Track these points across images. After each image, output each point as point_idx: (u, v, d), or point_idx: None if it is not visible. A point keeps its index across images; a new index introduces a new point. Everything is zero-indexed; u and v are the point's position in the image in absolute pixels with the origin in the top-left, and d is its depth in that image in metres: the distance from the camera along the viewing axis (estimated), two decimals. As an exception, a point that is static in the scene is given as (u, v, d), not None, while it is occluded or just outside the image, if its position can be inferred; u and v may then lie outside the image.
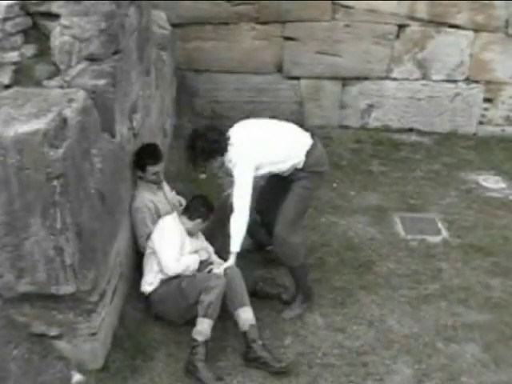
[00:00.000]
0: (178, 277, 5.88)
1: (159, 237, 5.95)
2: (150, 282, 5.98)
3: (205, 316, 5.59)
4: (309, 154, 6.00)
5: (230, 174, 6.15)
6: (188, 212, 6.08)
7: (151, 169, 6.24)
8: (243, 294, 5.84)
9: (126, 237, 6.07)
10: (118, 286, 5.80)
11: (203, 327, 5.57)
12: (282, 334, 5.97)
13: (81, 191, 4.76)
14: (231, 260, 5.92)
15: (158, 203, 6.29)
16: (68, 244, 4.72)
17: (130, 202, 6.19)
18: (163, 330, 5.93)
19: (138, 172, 6.27)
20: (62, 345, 5.19)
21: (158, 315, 6.01)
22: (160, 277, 5.94)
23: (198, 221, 6.06)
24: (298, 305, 6.36)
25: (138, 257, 6.19)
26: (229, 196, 6.27)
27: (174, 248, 5.92)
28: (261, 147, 5.94)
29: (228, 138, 5.98)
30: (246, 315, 5.76)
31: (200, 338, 5.55)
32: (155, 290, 5.95)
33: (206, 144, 5.94)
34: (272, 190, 6.35)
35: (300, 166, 5.98)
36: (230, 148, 5.95)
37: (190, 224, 6.05)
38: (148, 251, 6.03)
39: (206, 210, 6.10)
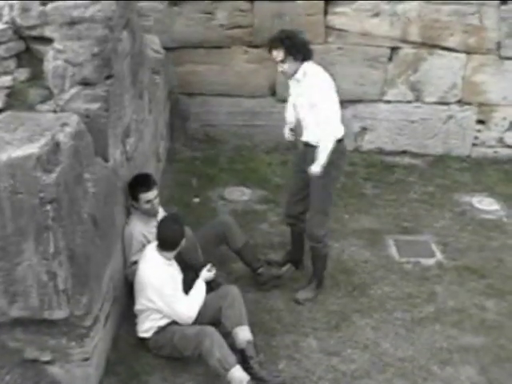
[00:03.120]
0: (169, 328, 5.84)
1: (157, 296, 5.77)
2: (145, 330, 5.91)
3: (227, 370, 5.47)
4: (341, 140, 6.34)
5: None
6: (167, 245, 5.88)
7: (144, 196, 6.23)
8: (241, 313, 5.88)
9: (120, 261, 6.05)
10: (112, 310, 5.78)
11: (236, 377, 5.46)
12: (276, 357, 5.93)
13: (74, 216, 4.75)
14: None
15: (150, 234, 6.23)
16: (61, 269, 4.71)
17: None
18: (157, 355, 5.88)
19: (132, 202, 6.30)
20: (54, 370, 5.16)
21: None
22: (157, 325, 5.85)
23: (181, 244, 5.98)
24: (313, 288, 6.72)
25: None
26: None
27: (178, 297, 5.86)
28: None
29: (311, 50, 6.28)
30: (243, 334, 5.80)
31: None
32: (150, 338, 5.90)
33: (295, 41, 6.18)
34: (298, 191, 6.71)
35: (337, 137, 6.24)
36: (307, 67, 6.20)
37: (173, 253, 5.95)
38: (142, 307, 5.88)
39: (181, 231, 5.97)
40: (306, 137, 6.41)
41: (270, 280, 6.79)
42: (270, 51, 6.23)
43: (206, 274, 6.14)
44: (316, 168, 6.10)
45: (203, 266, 6.27)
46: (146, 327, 5.89)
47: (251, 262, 6.82)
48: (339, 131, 6.30)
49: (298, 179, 6.65)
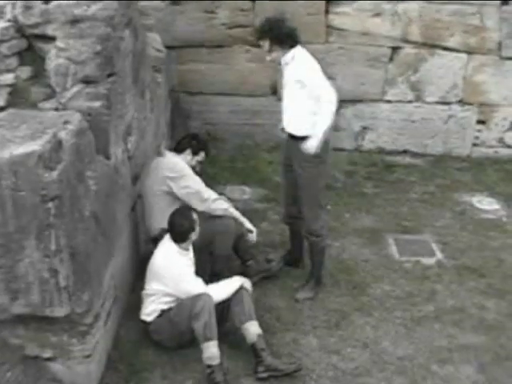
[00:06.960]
0: (170, 309, 5.86)
1: (167, 279, 5.82)
2: (148, 313, 5.93)
3: (206, 340, 5.54)
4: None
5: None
6: (176, 238, 5.94)
7: (202, 155, 6.76)
8: (250, 308, 5.90)
9: (121, 259, 6.06)
10: (113, 308, 5.79)
11: (210, 351, 5.54)
12: (276, 355, 5.90)
13: (76, 213, 4.76)
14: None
15: None
16: (62, 266, 4.72)
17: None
18: (157, 352, 5.90)
19: (190, 156, 6.70)
20: (56, 367, 5.17)
21: (155, 342, 5.97)
22: (160, 308, 5.88)
23: (191, 237, 6.00)
24: (311, 287, 6.75)
25: (132, 279, 6.18)
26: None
27: (195, 281, 5.90)
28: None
29: (298, 36, 6.25)
30: (253, 328, 5.82)
31: (213, 363, 5.52)
32: (152, 321, 5.92)
33: (280, 30, 6.19)
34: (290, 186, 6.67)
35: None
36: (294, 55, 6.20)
37: (184, 245, 5.95)
38: (150, 292, 5.90)
39: (189, 224, 5.93)
40: (288, 127, 6.40)
41: (257, 273, 6.80)
42: (258, 40, 6.37)
43: (249, 283, 6.15)
44: (312, 143, 6.06)
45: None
46: (150, 310, 5.91)
47: (243, 254, 6.87)
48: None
49: (288, 178, 6.66)
